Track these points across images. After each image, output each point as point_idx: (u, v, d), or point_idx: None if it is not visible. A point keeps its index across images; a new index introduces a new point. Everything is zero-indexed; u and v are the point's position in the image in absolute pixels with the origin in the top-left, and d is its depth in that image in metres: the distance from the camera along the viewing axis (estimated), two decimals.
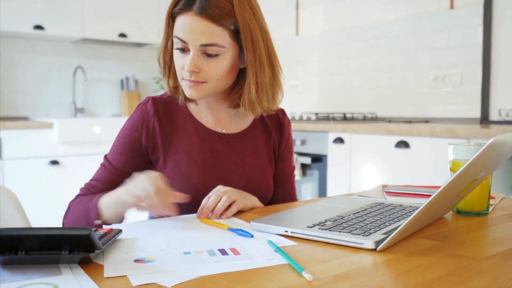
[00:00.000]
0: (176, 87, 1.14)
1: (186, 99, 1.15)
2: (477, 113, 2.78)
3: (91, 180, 1.16)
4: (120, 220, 1.03)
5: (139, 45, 4.14)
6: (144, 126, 1.12)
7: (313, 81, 3.71)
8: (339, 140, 2.72)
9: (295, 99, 3.78)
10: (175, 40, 1.04)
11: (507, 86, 2.67)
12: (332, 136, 2.76)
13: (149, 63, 4.28)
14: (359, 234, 0.76)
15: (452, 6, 2.89)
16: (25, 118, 3.62)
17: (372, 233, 0.77)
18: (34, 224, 1.22)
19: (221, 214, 0.97)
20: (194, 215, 0.99)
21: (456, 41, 2.87)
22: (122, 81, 4.10)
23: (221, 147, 1.15)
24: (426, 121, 2.94)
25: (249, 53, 1.05)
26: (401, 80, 3.15)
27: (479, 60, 2.75)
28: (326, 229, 0.79)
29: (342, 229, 0.79)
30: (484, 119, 2.73)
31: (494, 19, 2.69)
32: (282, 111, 1.28)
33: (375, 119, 3.18)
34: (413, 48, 3.08)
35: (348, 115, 3.19)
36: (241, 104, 1.12)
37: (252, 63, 1.06)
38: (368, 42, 3.34)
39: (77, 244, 0.64)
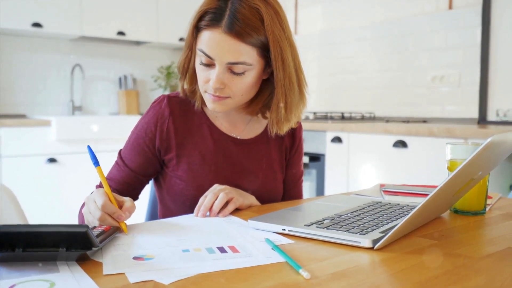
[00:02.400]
0: (193, 92, 1.13)
1: (203, 104, 1.13)
2: (475, 114, 2.78)
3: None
4: None
5: (138, 43, 4.14)
6: (159, 127, 1.11)
7: (312, 81, 3.71)
8: (337, 139, 2.72)
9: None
10: (199, 53, 1.01)
11: (505, 87, 2.67)
12: (330, 135, 2.76)
13: (147, 62, 4.28)
14: (356, 233, 0.76)
15: (450, 7, 2.90)
16: (23, 116, 3.61)
17: (369, 231, 0.77)
18: (32, 222, 1.22)
19: (219, 212, 0.97)
20: (191, 215, 0.99)
21: (455, 42, 2.87)
22: (120, 79, 4.09)
23: (235, 152, 1.15)
24: (424, 121, 2.95)
25: (279, 73, 1.03)
26: (399, 80, 3.16)
27: (477, 60, 2.76)
28: (323, 228, 0.79)
29: (340, 227, 0.79)
30: (482, 120, 2.73)
31: (492, 20, 2.70)
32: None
33: (373, 118, 3.19)
34: (412, 48, 3.09)
35: (346, 115, 3.19)
36: (269, 123, 1.12)
37: (281, 82, 1.03)
38: (367, 42, 3.34)
39: (74, 241, 0.64)
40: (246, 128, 1.18)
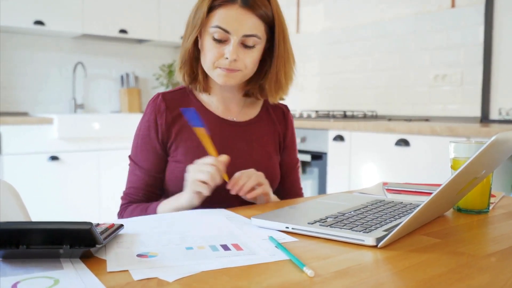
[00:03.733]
0: (194, 78, 1.20)
1: (204, 89, 1.21)
2: (477, 112, 2.78)
3: (127, 187, 1.21)
4: None
5: (140, 41, 4.14)
6: (158, 121, 1.17)
7: (314, 79, 3.70)
8: (339, 138, 2.72)
9: (295, 96, 3.78)
10: (213, 30, 1.10)
11: (507, 85, 2.67)
12: (332, 133, 2.76)
13: (149, 60, 4.28)
14: (360, 231, 0.76)
15: (453, 5, 2.89)
16: (25, 114, 3.62)
17: (373, 230, 0.77)
18: (34, 219, 1.22)
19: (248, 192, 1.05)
20: (197, 210, 1.00)
21: (457, 40, 2.86)
22: (122, 77, 4.09)
23: (232, 134, 1.21)
24: (426, 119, 2.95)
25: (281, 46, 1.16)
26: (402, 79, 3.15)
27: (480, 59, 2.75)
28: (327, 226, 0.79)
29: (343, 225, 0.79)
30: (484, 118, 2.73)
31: (495, 18, 2.69)
32: (286, 107, 1.35)
33: (375, 117, 3.18)
34: (414, 47, 3.08)
35: (348, 113, 3.19)
36: (267, 91, 1.22)
37: (282, 54, 1.17)
38: (369, 41, 3.34)
39: (78, 238, 0.64)
40: (240, 112, 1.25)
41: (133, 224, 0.86)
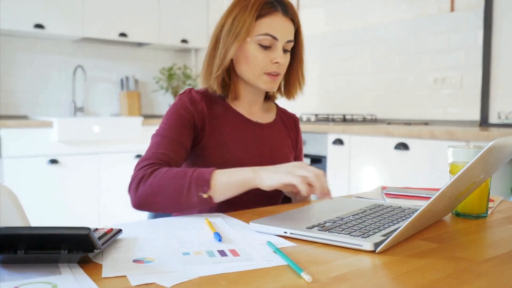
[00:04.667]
0: (226, 87, 1.23)
1: (235, 97, 1.25)
2: (476, 116, 2.78)
3: (149, 153, 1.11)
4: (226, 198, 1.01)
5: (140, 44, 4.14)
6: (193, 107, 1.20)
7: (313, 82, 3.71)
8: (339, 142, 2.72)
9: (295, 100, 3.78)
10: (261, 38, 1.16)
11: (506, 89, 2.67)
12: (332, 137, 2.76)
13: (149, 63, 4.28)
14: (358, 236, 0.76)
15: (452, 9, 2.90)
16: (24, 117, 3.62)
17: (371, 234, 0.77)
18: (33, 223, 1.22)
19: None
20: (195, 215, 0.99)
21: (456, 44, 2.87)
22: (122, 80, 4.10)
23: (256, 134, 1.28)
24: (426, 123, 2.95)
25: (302, 49, 1.27)
26: (401, 82, 3.16)
27: (479, 62, 2.75)
28: (325, 231, 0.79)
29: (341, 230, 0.79)
30: (484, 122, 2.73)
31: (494, 22, 2.69)
32: (296, 116, 1.44)
33: (374, 120, 3.19)
34: (413, 50, 3.09)
35: (347, 117, 3.19)
36: (291, 90, 1.32)
37: (302, 57, 1.28)
38: (369, 44, 3.34)
39: (76, 243, 0.64)
40: (262, 115, 1.33)
41: (131, 229, 0.86)
